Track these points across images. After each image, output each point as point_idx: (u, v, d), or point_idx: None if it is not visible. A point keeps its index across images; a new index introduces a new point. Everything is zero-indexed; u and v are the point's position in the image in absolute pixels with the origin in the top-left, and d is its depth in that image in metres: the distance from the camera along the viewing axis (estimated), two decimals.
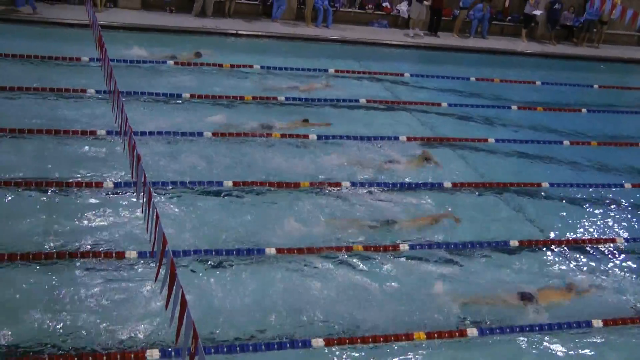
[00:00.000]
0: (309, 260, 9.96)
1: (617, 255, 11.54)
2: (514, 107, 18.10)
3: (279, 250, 9.92)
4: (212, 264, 9.52)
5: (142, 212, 6.69)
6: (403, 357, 8.39)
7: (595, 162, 15.45)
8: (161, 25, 20.47)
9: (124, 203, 10.68)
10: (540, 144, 15.91)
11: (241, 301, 8.86)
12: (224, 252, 9.73)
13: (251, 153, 13.16)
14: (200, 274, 9.27)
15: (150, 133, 13.03)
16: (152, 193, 6.68)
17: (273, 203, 11.44)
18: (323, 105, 16.15)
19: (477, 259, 10.69)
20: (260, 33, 21.38)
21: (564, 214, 12.83)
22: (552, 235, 11.83)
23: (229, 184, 11.63)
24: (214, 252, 9.68)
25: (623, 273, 10.88)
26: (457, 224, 11.31)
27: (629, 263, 11.37)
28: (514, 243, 11.14)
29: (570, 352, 8.90)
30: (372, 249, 10.40)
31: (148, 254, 8.99)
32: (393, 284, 9.77)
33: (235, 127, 14.00)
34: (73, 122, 13.33)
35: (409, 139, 14.80)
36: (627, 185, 14.41)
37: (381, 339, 8.43)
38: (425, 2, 22.93)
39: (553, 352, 8.88)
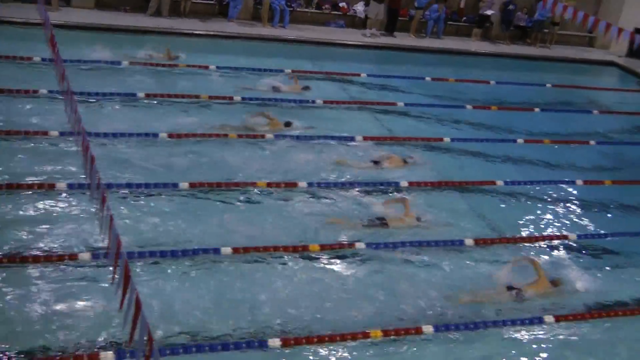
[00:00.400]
0: (265, 259, 9.96)
1: (568, 252, 11.75)
2: (469, 107, 18.29)
3: (235, 250, 9.91)
4: (168, 265, 9.46)
5: (96, 213, 6.63)
6: (360, 355, 8.44)
7: (548, 160, 15.69)
8: (115, 25, 20.24)
9: (78, 205, 10.55)
10: (495, 142, 16.11)
11: (197, 302, 8.82)
12: (179, 253, 9.68)
13: (208, 154, 13.11)
14: (156, 275, 9.20)
15: (105, 134, 12.89)
16: (106, 194, 6.63)
17: (229, 204, 11.42)
18: (279, 106, 16.13)
19: (434, 258, 10.77)
20: (216, 33, 21.27)
21: (518, 211, 13.02)
22: (505, 232, 11.99)
23: (185, 185, 11.56)
24: (169, 253, 9.62)
25: (574, 269, 11.06)
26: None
27: (580, 259, 11.58)
28: (469, 242, 11.27)
29: (523, 347, 9.05)
30: (328, 247, 10.43)
31: (102, 256, 8.91)
32: (350, 282, 9.82)
33: (192, 128, 13.92)
34: (25, 122, 13.12)
35: (365, 138, 14.88)
36: (579, 182, 14.68)
37: (338, 338, 8.47)
38: None
39: (506, 347, 9.03)
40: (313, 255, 10.25)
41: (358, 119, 16.36)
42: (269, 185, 12.05)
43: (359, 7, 24.25)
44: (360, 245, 10.60)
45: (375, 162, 13.65)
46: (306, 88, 17.08)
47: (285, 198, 11.88)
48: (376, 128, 15.89)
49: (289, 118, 14.95)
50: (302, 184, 12.28)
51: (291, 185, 12.20)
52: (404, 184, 13.00)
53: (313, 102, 16.60)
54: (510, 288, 9.89)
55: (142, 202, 11.02)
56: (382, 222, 11.37)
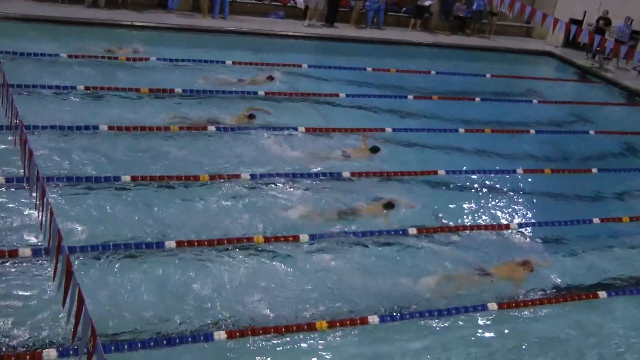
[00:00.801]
0: (210, 252, 9.90)
1: (510, 240, 11.95)
2: (411, 97, 18.44)
3: (179, 243, 9.82)
4: (111, 259, 9.32)
5: (36, 208, 6.50)
6: (307, 346, 8.45)
7: (489, 149, 15.93)
8: (52, 16, 19.80)
9: (17, 199, 10.32)
10: (437, 132, 16.28)
11: (142, 297, 8.73)
12: (122, 247, 9.55)
13: (150, 147, 12.95)
14: (99, 270, 9.06)
15: (44, 127, 12.63)
16: (46, 188, 6.49)
17: (172, 197, 11.30)
18: (223, 98, 16.02)
19: (373, 249, 10.85)
20: (155, 24, 20.98)
21: (460, 200, 13.17)
22: (448, 221, 12.13)
23: (126, 178, 11.40)
24: (111, 247, 9.48)
25: (515, 257, 11.26)
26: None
27: (521, 247, 11.80)
28: (412, 231, 11.37)
29: (465, 337, 9.19)
30: (272, 239, 10.42)
31: (43, 252, 8.74)
32: (295, 273, 9.82)
33: (133, 121, 13.73)
34: None
35: (307, 129, 14.88)
36: (520, 171, 14.93)
37: (283, 330, 8.47)
38: None
39: (450, 335, 9.15)
40: (259, 247, 10.23)
41: (299, 110, 16.32)
42: (211, 177, 11.96)
43: None
44: (304, 238, 10.61)
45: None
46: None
47: (229, 190, 11.81)
48: (318, 119, 15.88)
49: (229, 111, 14.93)
50: (246, 176, 12.22)
51: (235, 177, 12.13)
52: (346, 174, 13.04)
53: (255, 93, 16.50)
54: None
55: (83, 195, 10.82)
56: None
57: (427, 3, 25.49)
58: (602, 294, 10.70)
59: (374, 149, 14.27)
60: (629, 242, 12.67)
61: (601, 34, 24.74)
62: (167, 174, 11.80)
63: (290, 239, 10.50)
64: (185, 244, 9.85)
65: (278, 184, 12.27)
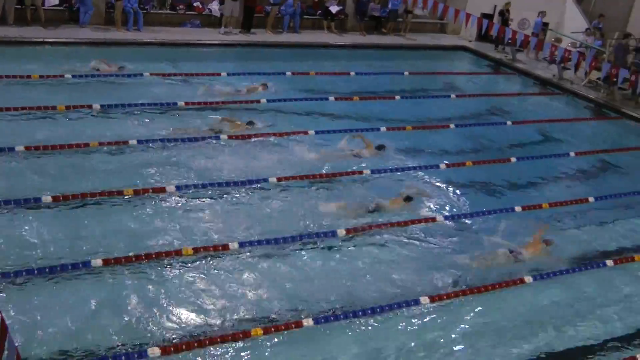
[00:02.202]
0: (138, 268, 9.78)
1: (434, 235, 12.15)
2: (332, 99, 18.54)
3: (105, 262, 9.67)
4: (35, 283, 9.11)
5: None
6: (242, 354, 8.43)
7: (412, 146, 16.15)
8: None
9: None
10: (359, 132, 16.39)
11: (70, 318, 8.56)
12: (47, 270, 9.34)
13: (69, 165, 12.69)
14: (22, 295, 8.83)
15: None
16: None
17: (97, 214, 11.12)
18: (142, 111, 15.78)
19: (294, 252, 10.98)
20: (68, 40, 20.51)
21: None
22: (378, 219, 12.26)
23: (47, 199, 11.15)
24: (36, 271, 9.27)
25: (444, 250, 11.48)
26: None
27: (449, 239, 12.03)
28: (341, 232, 11.51)
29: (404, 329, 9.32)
30: (201, 250, 10.36)
31: None
32: (227, 283, 9.79)
33: (50, 140, 13.42)
34: None
35: (230, 137, 14.83)
36: (443, 166, 15.20)
37: (218, 339, 8.43)
38: None
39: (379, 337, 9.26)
40: (189, 259, 10.15)
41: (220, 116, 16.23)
42: (135, 192, 11.80)
43: (214, 6, 24.04)
44: (233, 245, 10.59)
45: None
46: None
47: (153, 205, 11.69)
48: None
49: (150, 122, 14.80)
50: (171, 189, 12.11)
51: (160, 191, 12.01)
52: (272, 180, 13.04)
53: (175, 104, 16.32)
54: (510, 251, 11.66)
55: (2, 218, 10.55)
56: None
57: (332, 8, 25.52)
58: (528, 278, 11.12)
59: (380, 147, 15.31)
60: (550, 228, 13.05)
61: (506, 25, 25.39)
62: (89, 191, 11.58)
63: (220, 248, 10.47)
64: (112, 261, 9.70)
65: (205, 197, 12.21)
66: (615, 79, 21.39)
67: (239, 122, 15.50)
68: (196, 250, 10.33)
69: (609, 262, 12.24)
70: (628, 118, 21.70)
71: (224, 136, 14.77)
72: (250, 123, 15.46)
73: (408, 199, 12.99)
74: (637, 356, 9.69)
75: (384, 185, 13.84)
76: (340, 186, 13.58)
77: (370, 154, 15.08)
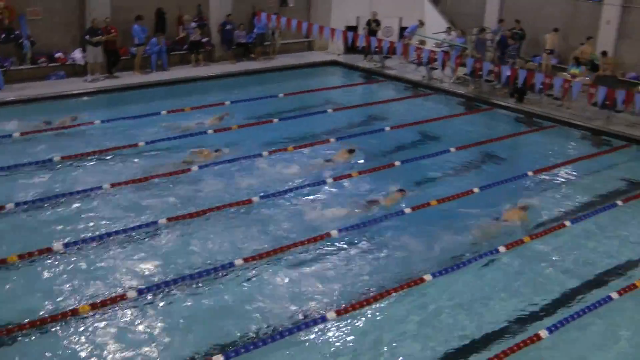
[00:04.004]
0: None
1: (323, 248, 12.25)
2: (210, 131, 18.40)
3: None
4: None
5: None
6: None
7: (293, 165, 16.26)
8: None
9: None
10: (241, 160, 16.37)
11: None
12: None
13: None
14: None
15: None
16: None
17: None
18: (19, 172, 15.22)
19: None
20: None
21: (273, 223, 13.51)
22: (283, 241, 12.24)
23: None
24: None
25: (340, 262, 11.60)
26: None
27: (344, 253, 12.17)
28: (238, 262, 11.41)
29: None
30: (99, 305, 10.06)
31: None
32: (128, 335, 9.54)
33: None
34: None
35: (112, 185, 14.52)
36: (329, 180, 15.36)
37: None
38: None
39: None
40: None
41: (102, 168, 15.82)
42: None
43: (77, 55, 23.41)
44: (131, 294, 10.37)
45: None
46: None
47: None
48: (125, 171, 15.47)
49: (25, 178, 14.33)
50: (59, 247, 11.74)
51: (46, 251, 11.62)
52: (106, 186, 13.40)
53: (51, 160, 15.80)
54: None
55: None
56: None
57: (193, 39, 25.24)
58: (428, 276, 11.48)
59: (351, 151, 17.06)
60: (442, 224, 13.38)
61: (373, 35, 25.97)
62: None
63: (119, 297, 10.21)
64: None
65: (91, 248, 11.89)
66: (480, 73, 22.14)
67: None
68: (93, 306, 10.03)
69: (501, 249, 12.70)
70: (499, 108, 22.55)
71: (106, 185, 14.39)
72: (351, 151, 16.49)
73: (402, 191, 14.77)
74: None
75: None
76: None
77: (343, 158, 16.73)
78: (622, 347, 10.33)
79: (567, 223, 14.06)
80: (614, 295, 11.42)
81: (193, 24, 25.12)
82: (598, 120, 20.95)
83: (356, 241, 12.86)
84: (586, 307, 11.04)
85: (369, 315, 10.54)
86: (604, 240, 13.65)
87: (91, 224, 12.93)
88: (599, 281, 12.05)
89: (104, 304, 10.33)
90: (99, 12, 22.99)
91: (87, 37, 22.47)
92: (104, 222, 13.04)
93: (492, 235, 13.32)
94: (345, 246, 12.69)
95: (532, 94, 22.51)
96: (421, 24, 27.68)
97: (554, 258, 12.79)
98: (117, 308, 10.33)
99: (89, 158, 16.28)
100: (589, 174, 16.97)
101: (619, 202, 15.25)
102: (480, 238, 13.21)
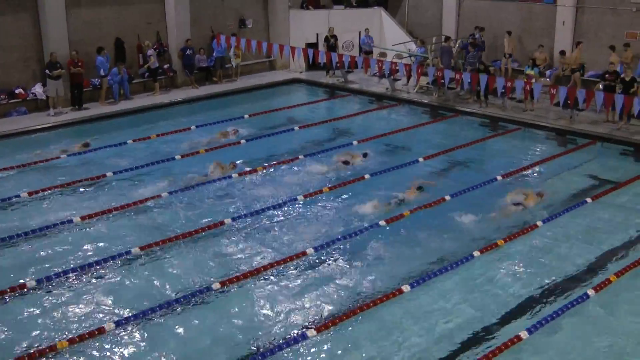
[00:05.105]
0: None
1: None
2: (178, 157, 18.30)
3: None
4: None
5: None
6: None
7: (269, 186, 16.39)
8: None
9: None
10: (211, 183, 16.34)
11: None
12: None
13: None
14: None
15: None
16: None
17: None
18: None
19: None
20: None
21: (250, 244, 13.41)
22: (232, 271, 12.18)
23: None
24: None
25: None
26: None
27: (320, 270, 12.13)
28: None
29: None
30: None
31: None
32: None
33: None
34: None
35: (82, 218, 14.37)
36: (300, 197, 15.38)
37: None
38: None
39: None
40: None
41: (69, 201, 15.66)
42: None
43: (37, 89, 23.17)
44: (109, 326, 10.22)
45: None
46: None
47: None
48: (93, 204, 15.33)
49: None
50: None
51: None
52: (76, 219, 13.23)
53: (18, 196, 15.61)
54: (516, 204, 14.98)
55: None
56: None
57: (152, 65, 25.08)
58: (406, 287, 11.58)
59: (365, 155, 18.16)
60: (415, 234, 13.48)
61: (333, 50, 26.09)
62: None
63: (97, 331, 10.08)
64: None
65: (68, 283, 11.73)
66: (442, 81, 22.35)
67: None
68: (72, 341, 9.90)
69: (476, 253, 12.80)
70: (464, 114, 22.76)
71: (77, 219, 14.27)
72: (420, 188, 16.17)
73: (420, 188, 15.82)
74: None
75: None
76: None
77: (358, 160, 17.93)
78: (601, 343, 10.45)
79: (539, 223, 14.22)
80: (590, 292, 11.55)
81: (150, 52, 25.00)
82: (562, 120, 21.26)
83: (333, 257, 12.86)
84: (564, 305, 11.14)
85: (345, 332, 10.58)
86: (576, 238, 13.81)
87: (63, 258, 12.78)
88: (575, 279, 12.18)
89: (82, 338, 10.21)
90: (56, 45, 22.81)
91: (47, 71, 22.27)
92: (76, 255, 12.90)
93: (510, 217, 14.66)
94: (322, 263, 12.69)
95: (495, 98, 22.75)
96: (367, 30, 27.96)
97: (527, 258, 12.91)
98: (95, 342, 10.20)
99: (57, 192, 16.08)
100: (557, 174, 17.17)
101: (589, 200, 15.47)
102: (500, 219, 14.53)
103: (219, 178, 16.62)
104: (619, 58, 22.33)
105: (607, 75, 20.90)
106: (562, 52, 23.76)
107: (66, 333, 10.42)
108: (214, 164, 17.19)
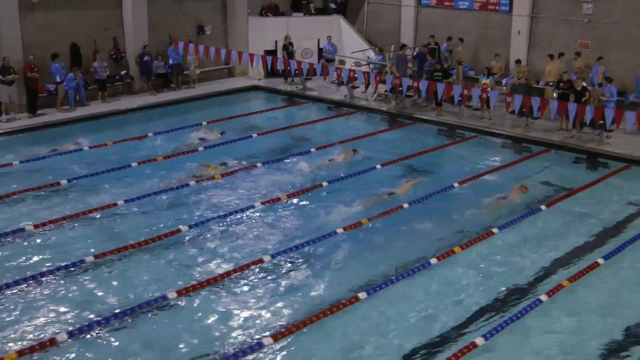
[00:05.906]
0: None
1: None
2: (134, 164, 18.09)
3: None
4: None
5: None
6: None
7: (226, 191, 16.38)
8: None
9: None
10: (170, 191, 16.26)
11: None
12: None
13: None
14: None
15: None
16: None
17: None
18: None
19: None
20: None
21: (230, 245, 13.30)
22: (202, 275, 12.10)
23: None
24: None
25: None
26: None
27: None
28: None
29: None
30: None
31: None
32: None
33: None
34: None
35: (35, 226, 14.15)
36: (258, 205, 15.37)
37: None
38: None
39: None
40: None
41: (22, 209, 15.39)
42: None
43: None
44: (62, 337, 10.08)
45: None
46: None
47: None
48: (47, 212, 15.09)
49: None
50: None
51: None
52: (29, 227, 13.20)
53: None
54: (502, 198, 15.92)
55: None
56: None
57: (101, 76, 24.75)
58: (363, 294, 11.40)
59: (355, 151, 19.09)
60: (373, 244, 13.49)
61: (292, 57, 26.11)
62: None
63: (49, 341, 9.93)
64: None
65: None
66: (400, 89, 22.48)
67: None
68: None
69: (433, 260, 12.90)
70: (421, 122, 22.93)
71: (29, 227, 14.05)
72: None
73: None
74: None
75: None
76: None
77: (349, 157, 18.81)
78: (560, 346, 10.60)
79: (495, 230, 14.37)
80: (543, 297, 11.70)
81: (95, 64, 24.55)
82: (517, 128, 21.54)
83: (290, 265, 12.85)
84: (518, 311, 11.27)
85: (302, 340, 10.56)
86: (530, 245, 13.99)
87: (15, 268, 12.56)
88: (529, 285, 12.33)
89: (32, 349, 10.04)
90: (9, 49, 22.41)
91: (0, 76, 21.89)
92: (28, 264, 12.71)
93: (497, 211, 15.48)
94: (279, 270, 12.67)
95: (452, 105, 22.95)
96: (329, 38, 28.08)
97: (482, 265, 13.06)
98: (47, 353, 10.04)
99: (8, 200, 15.79)
100: (513, 181, 17.32)
101: (543, 207, 15.68)
102: (488, 213, 15.32)
103: (175, 187, 16.47)
104: (554, 67, 22.84)
105: (561, 84, 21.22)
106: (518, 61, 24.07)
107: (17, 344, 10.24)
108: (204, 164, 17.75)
